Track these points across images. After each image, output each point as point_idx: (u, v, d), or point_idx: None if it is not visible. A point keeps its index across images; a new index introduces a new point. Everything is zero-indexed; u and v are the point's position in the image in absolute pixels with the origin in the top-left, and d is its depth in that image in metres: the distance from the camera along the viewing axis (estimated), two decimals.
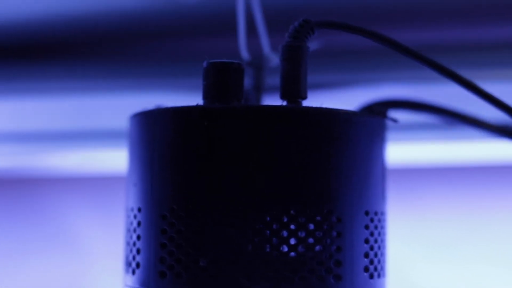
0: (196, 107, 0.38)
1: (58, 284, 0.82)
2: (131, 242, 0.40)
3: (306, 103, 0.39)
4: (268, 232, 0.37)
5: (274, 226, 0.37)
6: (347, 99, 0.45)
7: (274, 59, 0.44)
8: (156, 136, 0.39)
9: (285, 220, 0.37)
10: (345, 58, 0.51)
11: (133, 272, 0.40)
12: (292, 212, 0.37)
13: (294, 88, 0.39)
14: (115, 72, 0.54)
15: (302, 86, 0.39)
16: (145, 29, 0.53)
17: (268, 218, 0.37)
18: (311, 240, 0.37)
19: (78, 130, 0.61)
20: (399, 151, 0.63)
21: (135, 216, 0.40)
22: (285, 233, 0.37)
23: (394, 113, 0.43)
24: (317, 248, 0.37)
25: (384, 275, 0.41)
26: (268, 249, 0.37)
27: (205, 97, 0.39)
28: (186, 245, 0.37)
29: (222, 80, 0.38)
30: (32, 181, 0.82)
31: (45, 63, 0.56)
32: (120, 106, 0.53)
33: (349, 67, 0.51)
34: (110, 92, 0.55)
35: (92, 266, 0.81)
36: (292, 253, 0.37)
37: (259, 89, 0.45)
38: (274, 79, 0.43)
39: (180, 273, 0.38)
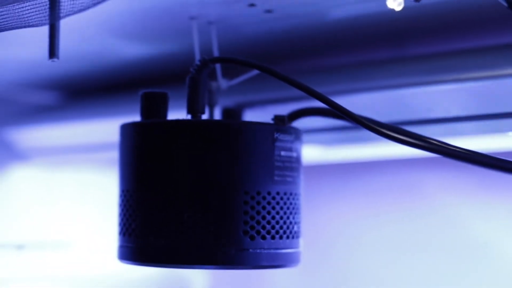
0: (132, 123, 0.57)
1: None
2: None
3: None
4: (172, 205, 0.55)
5: (176, 202, 0.55)
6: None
7: (224, 83, 0.61)
8: (120, 140, 0.59)
9: (182, 200, 0.55)
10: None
11: (122, 235, 0.60)
12: (183, 197, 0.55)
13: (195, 106, 0.56)
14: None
15: (201, 105, 0.56)
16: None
17: (172, 198, 0.55)
18: (198, 211, 0.54)
19: None
20: None
21: (119, 195, 0.60)
22: (182, 209, 0.55)
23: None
24: (204, 215, 0.54)
25: (274, 237, 0.55)
26: (170, 215, 0.55)
27: (140, 115, 0.58)
28: (134, 212, 0.57)
29: (149, 104, 0.57)
30: None
31: None
32: None
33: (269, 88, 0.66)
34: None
35: None
36: (185, 221, 0.54)
37: (212, 105, 0.62)
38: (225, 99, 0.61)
39: (134, 230, 0.57)
